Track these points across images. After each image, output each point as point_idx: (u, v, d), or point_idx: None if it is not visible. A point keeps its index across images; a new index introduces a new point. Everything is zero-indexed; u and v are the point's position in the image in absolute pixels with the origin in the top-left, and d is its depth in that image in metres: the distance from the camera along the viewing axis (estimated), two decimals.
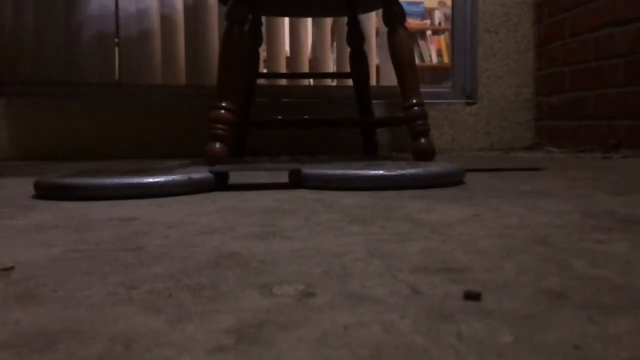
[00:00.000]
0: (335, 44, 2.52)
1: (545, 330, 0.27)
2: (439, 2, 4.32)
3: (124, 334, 0.28)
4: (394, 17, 1.55)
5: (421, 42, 4.25)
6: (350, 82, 2.03)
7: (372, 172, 0.90)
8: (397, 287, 0.35)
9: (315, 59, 2.38)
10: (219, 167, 0.95)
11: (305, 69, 2.40)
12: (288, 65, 2.40)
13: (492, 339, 0.27)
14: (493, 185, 0.93)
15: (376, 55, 2.69)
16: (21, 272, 0.40)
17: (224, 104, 1.48)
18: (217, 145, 1.46)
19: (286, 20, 2.33)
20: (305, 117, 1.97)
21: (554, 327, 0.28)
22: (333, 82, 2.36)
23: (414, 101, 1.53)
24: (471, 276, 0.38)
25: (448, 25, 3.96)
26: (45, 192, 0.86)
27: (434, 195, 0.82)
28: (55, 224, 0.61)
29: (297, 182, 0.95)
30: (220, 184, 0.93)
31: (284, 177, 1.13)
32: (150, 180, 0.85)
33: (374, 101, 1.99)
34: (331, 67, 2.55)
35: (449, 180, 0.95)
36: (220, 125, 1.47)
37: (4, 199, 0.84)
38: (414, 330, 0.28)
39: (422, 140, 1.53)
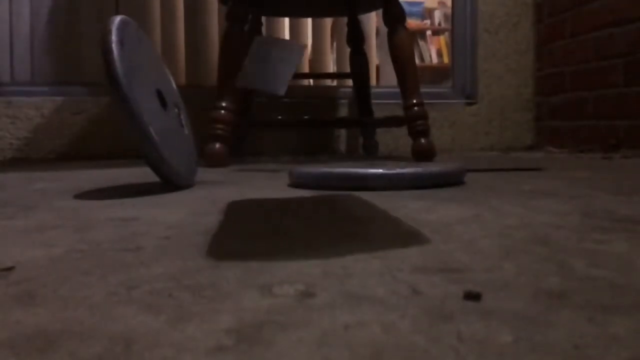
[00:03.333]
0: (335, 44, 2.52)
1: (545, 330, 0.27)
2: (439, 2, 4.32)
3: (124, 334, 0.28)
4: (394, 17, 1.55)
5: (421, 42, 4.25)
6: (350, 82, 2.03)
7: (372, 172, 0.90)
8: (397, 287, 0.35)
9: (315, 59, 2.38)
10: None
11: (305, 69, 2.40)
12: None
13: (492, 339, 0.27)
14: (493, 185, 0.93)
15: (376, 55, 2.69)
16: (21, 272, 0.40)
17: (223, 104, 1.48)
18: (217, 145, 1.46)
19: (286, 20, 2.33)
20: (305, 117, 1.97)
21: (554, 327, 0.28)
22: (333, 82, 2.36)
23: (414, 101, 1.54)
24: (471, 276, 0.38)
25: (448, 26, 3.96)
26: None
27: (434, 195, 0.82)
28: (55, 224, 0.61)
29: (297, 182, 0.95)
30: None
31: (284, 178, 1.13)
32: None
33: (374, 101, 1.99)
34: (331, 67, 2.55)
35: (449, 180, 0.95)
36: (220, 126, 1.47)
37: (5, 199, 0.84)
38: (414, 330, 0.28)
39: (422, 140, 1.53)
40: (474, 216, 0.63)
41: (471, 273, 0.39)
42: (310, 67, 2.45)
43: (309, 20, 2.40)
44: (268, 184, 1.01)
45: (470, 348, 0.25)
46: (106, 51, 0.78)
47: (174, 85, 1.00)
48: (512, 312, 0.30)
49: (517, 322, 0.29)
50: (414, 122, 1.54)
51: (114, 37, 0.79)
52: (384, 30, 1.59)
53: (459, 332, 0.27)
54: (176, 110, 0.96)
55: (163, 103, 0.90)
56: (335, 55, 2.50)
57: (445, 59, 4.13)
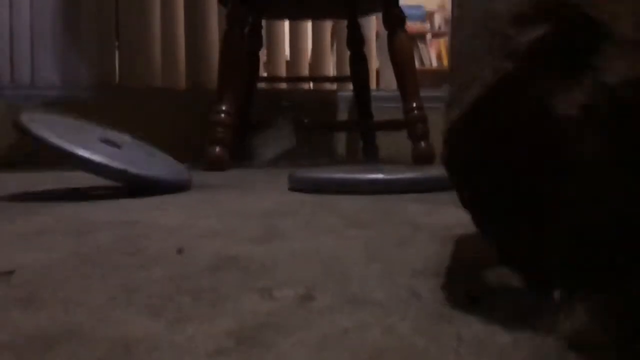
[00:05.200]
0: (335, 47, 2.52)
1: (546, 331, 0.27)
2: (439, 6, 4.32)
3: (124, 337, 0.28)
4: (394, 21, 1.56)
5: (421, 46, 4.25)
6: (350, 85, 2.04)
7: (372, 175, 0.90)
8: (397, 290, 0.35)
9: (315, 62, 2.38)
10: None
11: (305, 72, 2.40)
12: (288, 68, 2.40)
13: (491, 340, 0.27)
14: None
15: (376, 58, 2.69)
16: (21, 276, 0.40)
17: (223, 107, 1.48)
18: (217, 149, 1.46)
19: (286, 23, 2.34)
20: (305, 120, 1.97)
21: (554, 327, 0.28)
22: (333, 86, 2.36)
23: (414, 105, 1.54)
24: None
25: (448, 29, 3.96)
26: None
27: (433, 198, 0.82)
28: (55, 227, 0.61)
29: (297, 185, 0.95)
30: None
31: (283, 181, 1.13)
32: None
33: (374, 105, 1.99)
34: (331, 71, 2.56)
35: (449, 184, 0.95)
36: (220, 129, 1.47)
37: (5, 202, 0.84)
38: (414, 333, 0.28)
39: (422, 143, 1.54)
40: None
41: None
42: (310, 70, 2.45)
43: (309, 23, 2.40)
44: (268, 187, 1.02)
45: (470, 350, 0.25)
46: (22, 130, 0.88)
47: (127, 137, 1.07)
48: (512, 314, 0.30)
49: (517, 323, 0.29)
50: (414, 126, 1.54)
51: (23, 118, 0.90)
52: (384, 33, 1.60)
53: (459, 334, 0.27)
54: (137, 147, 1.03)
55: (116, 145, 0.97)
56: (335, 59, 2.51)
57: (445, 63, 4.13)
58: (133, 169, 0.88)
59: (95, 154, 0.85)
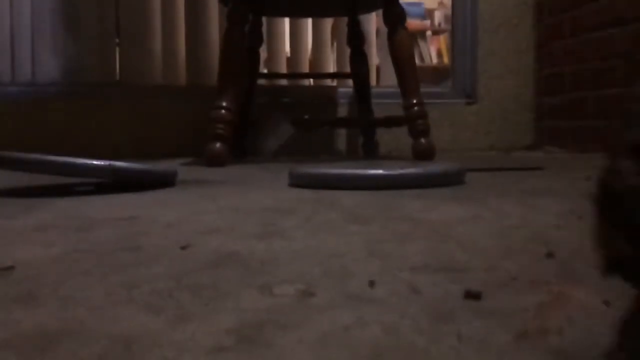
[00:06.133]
0: (335, 44, 2.51)
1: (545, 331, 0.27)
2: (439, 3, 4.32)
3: (124, 334, 0.28)
4: (395, 18, 1.55)
5: (421, 43, 4.25)
6: (350, 82, 2.04)
7: (372, 171, 0.90)
8: (397, 287, 0.35)
9: (316, 59, 2.37)
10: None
11: (306, 69, 2.40)
12: (288, 65, 2.39)
13: (492, 339, 0.27)
14: (493, 185, 0.93)
15: (376, 55, 2.69)
16: (21, 272, 0.40)
17: (224, 104, 1.48)
18: (218, 145, 1.46)
19: (286, 20, 2.33)
20: (306, 116, 1.97)
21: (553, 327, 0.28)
22: (333, 83, 2.36)
23: (414, 101, 1.54)
24: (471, 276, 0.38)
25: (448, 26, 3.96)
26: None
27: (434, 195, 0.82)
28: (55, 223, 0.61)
29: (297, 181, 0.95)
30: None
31: (284, 177, 1.13)
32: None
33: (374, 101, 1.99)
34: (331, 68, 2.56)
35: (449, 180, 0.95)
36: (221, 125, 1.47)
37: (4, 198, 0.84)
38: (415, 330, 0.28)
39: (422, 140, 1.53)
40: (474, 216, 0.63)
41: (471, 273, 0.39)
42: (311, 67, 2.45)
43: (309, 21, 2.40)
44: (268, 184, 1.01)
45: (470, 348, 0.25)
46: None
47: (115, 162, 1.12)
48: (512, 312, 0.30)
49: (517, 322, 0.29)
50: (414, 122, 1.54)
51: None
52: (384, 30, 1.59)
53: (459, 332, 0.27)
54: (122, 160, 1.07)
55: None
56: (335, 56, 2.50)
57: (445, 60, 4.13)
58: (116, 164, 0.91)
59: (81, 159, 0.90)
